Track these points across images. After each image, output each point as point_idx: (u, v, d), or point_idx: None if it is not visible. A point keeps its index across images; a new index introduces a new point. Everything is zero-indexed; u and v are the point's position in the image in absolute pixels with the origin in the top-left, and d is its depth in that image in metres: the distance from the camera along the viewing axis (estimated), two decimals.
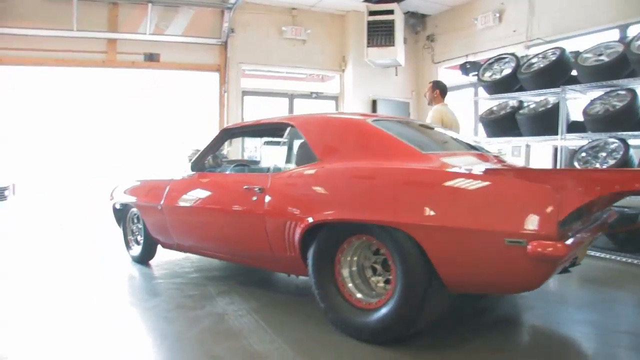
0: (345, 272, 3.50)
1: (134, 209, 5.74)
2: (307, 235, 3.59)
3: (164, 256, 5.96)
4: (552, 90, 7.45)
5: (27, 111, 10.30)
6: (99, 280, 5.14)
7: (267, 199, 3.88)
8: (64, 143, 10.59)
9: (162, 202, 5.05)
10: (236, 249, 4.45)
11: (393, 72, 11.90)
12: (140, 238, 5.79)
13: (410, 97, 12.41)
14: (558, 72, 7.45)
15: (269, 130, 5.60)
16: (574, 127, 7.29)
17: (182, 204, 4.88)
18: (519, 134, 8.03)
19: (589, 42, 7.77)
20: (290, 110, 11.71)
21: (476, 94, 10.94)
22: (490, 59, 8.93)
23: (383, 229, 3.18)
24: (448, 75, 12.02)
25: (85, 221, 9.00)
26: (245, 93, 11.10)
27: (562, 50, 7.51)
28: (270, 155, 7.57)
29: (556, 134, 7.28)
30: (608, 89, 6.85)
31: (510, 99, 8.52)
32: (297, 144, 4.21)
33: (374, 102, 11.86)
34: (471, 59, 10.84)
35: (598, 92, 7.09)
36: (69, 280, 5.16)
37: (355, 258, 3.52)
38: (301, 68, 11.71)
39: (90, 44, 9.88)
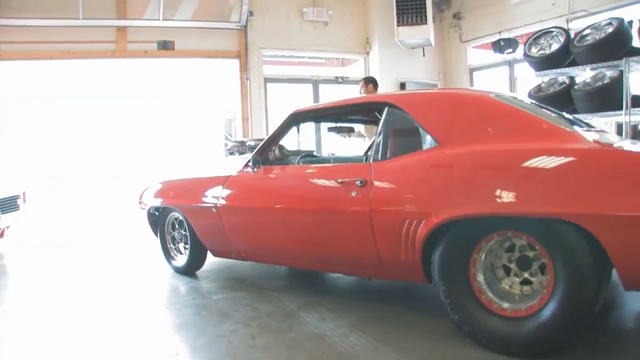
0: (481, 276, 2.93)
1: (175, 213, 5.10)
2: (432, 235, 3.01)
3: (205, 264, 5.31)
4: (612, 63, 6.87)
5: (31, 110, 9.71)
6: (145, 302, 4.38)
7: (373, 193, 3.29)
8: (73, 143, 10.01)
9: (218, 203, 4.44)
10: (326, 254, 3.83)
11: (419, 53, 11.22)
12: (184, 246, 5.14)
13: (437, 79, 11.80)
14: (617, 44, 6.83)
15: (354, 112, 4.80)
16: (636, 102, 6.75)
17: (246, 204, 4.30)
18: (575, 111, 7.46)
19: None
20: (316, 97, 11.06)
21: (512, 72, 10.44)
22: (536, 33, 8.37)
23: (541, 222, 2.64)
24: (478, 54, 11.52)
25: (107, 228, 8.30)
26: (267, 80, 10.44)
27: (621, 21, 6.89)
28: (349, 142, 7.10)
29: (618, 109, 6.72)
30: None
31: (561, 75, 7.96)
32: (401, 126, 3.55)
33: (402, 85, 11.27)
34: (505, 36, 10.29)
35: None
36: (109, 303, 4.38)
37: (488, 258, 2.94)
38: (325, 52, 11.11)
39: (99, 33, 9.19)
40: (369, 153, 3.73)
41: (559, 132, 2.95)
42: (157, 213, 5.43)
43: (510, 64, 10.59)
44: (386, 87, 10.88)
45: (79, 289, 4.88)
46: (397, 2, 10.11)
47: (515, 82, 10.53)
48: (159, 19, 9.32)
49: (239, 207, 4.35)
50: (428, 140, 3.32)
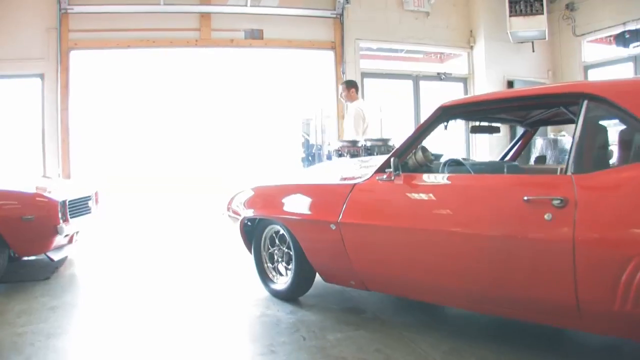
0: None
1: (276, 226, 4.28)
2: None
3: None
4: None
5: (105, 102, 8.98)
6: (242, 340, 3.58)
7: (579, 217, 2.45)
8: (148, 139, 9.19)
9: (339, 217, 3.57)
10: (494, 293, 2.94)
11: (528, 48, 10.04)
12: (286, 266, 4.29)
13: (546, 77, 10.58)
14: None
15: (529, 106, 3.68)
16: None
17: (381, 222, 3.42)
18: None
19: None
20: (416, 94, 10.02)
21: (637, 67, 9.22)
22: None
23: None
24: (593, 49, 10.25)
25: (188, 236, 7.41)
26: (364, 75, 9.44)
27: None
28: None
29: None
30: None
31: None
32: (608, 125, 2.80)
33: (510, 84, 10.12)
34: (631, 27, 9.07)
35: None
36: (193, 337, 3.54)
37: None
38: (425, 45, 10.08)
39: (181, 20, 8.45)
40: (568, 162, 2.67)
41: None
42: (249, 223, 4.56)
43: (636, 59, 9.31)
44: (493, 86, 9.92)
45: (155, 314, 4.04)
46: None
47: None
48: (246, 5, 8.53)
49: (371, 225, 3.46)
50: None
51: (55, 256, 5.02)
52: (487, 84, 10.02)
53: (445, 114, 3.47)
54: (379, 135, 7.62)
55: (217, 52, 8.77)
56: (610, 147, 2.87)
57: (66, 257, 5.42)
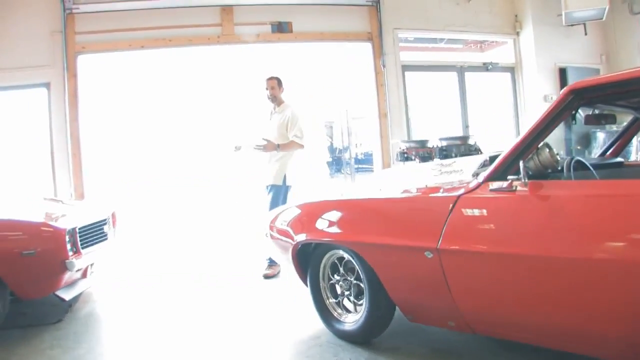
0: None
1: (339, 252, 3.43)
2: None
3: None
4: None
5: (119, 110, 8.09)
6: None
7: None
8: (169, 146, 8.35)
9: (438, 242, 2.66)
10: None
11: (580, 31, 9.02)
12: (355, 301, 3.43)
13: (599, 62, 9.61)
14: None
15: None
16: None
17: (503, 249, 2.48)
18: None
19: None
20: (462, 87, 9.04)
21: None
22: None
23: None
24: None
25: (220, 259, 6.35)
26: (405, 68, 8.46)
27: None
28: None
29: None
30: None
31: None
32: None
33: (563, 71, 9.12)
34: None
35: None
36: None
37: None
38: (468, 33, 9.07)
39: (200, 15, 7.50)
40: None
41: None
42: (303, 248, 3.67)
43: None
44: (544, 75, 9.06)
45: None
46: None
47: None
48: None
49: (485, 252, 2.54)
50: None
51: (67, 295, 4.00)
52: (537, 73, 9.05)
53: (577, 98, 2.52)
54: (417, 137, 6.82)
55: (241, 48, 7.86)
56: None
57: (80, 293, 4.39)
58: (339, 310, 3.53)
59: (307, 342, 3.44)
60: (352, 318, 3.41)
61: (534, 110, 8.94)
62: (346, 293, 3.48)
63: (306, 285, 3.71)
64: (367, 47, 8.24)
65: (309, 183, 11.74)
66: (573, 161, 2.63)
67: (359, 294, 3.37)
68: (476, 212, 2.63)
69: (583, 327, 2.33)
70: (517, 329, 2.64)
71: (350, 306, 3.50)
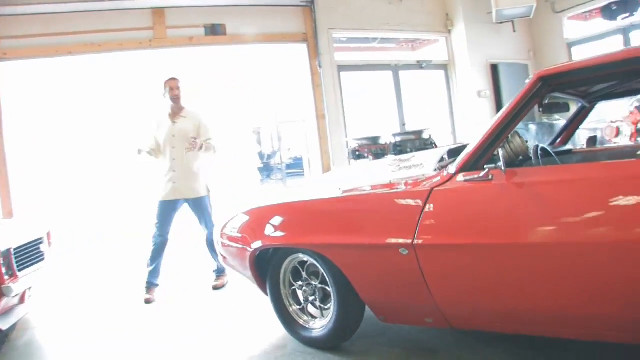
0: None
1: (301, 256, 3.32)
2: None
3: None
4: None
5: (46, 120, 7.73)
6: None
7: None
8: (96, 162, 8.08)
9: (414, 238, 2.61)
10: None
11: (508, 29, 9.46)
12: (322, 305, 3.32)
13: (527, 57, 10.04)
14: None
15: None
16: None
17: (484, 239, 2.46)
18: None
19: None
20: (397, 85, 9.16)
21: (626, 40, 8.81)
22: None
23: None
24: (575, 25, 9.82)
25: (171, 269, 6.02)
26: (341, 68, 8.50)
27: None
28: None
29: None
30: None
31: None
32: None
33: (494, 67, 9.49)
34: None
35: None
36: None
37: None
38: (402, 32, 9.21)
39: (131, 18, 7.23)
40: None
41: None
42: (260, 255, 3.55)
43: (625, 31, 8.84)
44: (477, 71, 9.34)
45: None
46: None
47: None
48: None
49: (464, 244, 2.51)
50: None
51: (4, 324, 3.69)
52: (470, 70, 9.33)
53: (546, 85, 2.60)
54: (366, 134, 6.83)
55: (174, 52, 7.66)
56: None
57: (18, 321, 4.05)
58: (305, 317, 3.45)
59: (273, 353, 3.33)
60: (320, 323, 3.34)
61: (469, 106, 9.27)
62: (310, 298, 3.39)
63: (266, 293, 3.59)
64: (302, 48, 8.23)
65: (238, 190, 11.67)
66: (539, 149, 2.74)
67: (324, 298, 3.30)
68: (451, 203, 2.62)
69: (566, 311, 2.38)
70: (499, 319, 2.66)
71: (314, 312, 3.44)
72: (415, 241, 2.60)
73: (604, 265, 2.18)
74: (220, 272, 5.17)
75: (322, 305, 3.31)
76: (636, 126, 7.08)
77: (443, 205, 2.60)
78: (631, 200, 2.10)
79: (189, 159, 5.05)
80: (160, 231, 5.05)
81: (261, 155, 18.01)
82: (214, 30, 7.60)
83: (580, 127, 3.93)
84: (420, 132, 5.86)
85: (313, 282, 3.32)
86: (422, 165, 3.43)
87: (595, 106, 3.85)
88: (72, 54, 7.06)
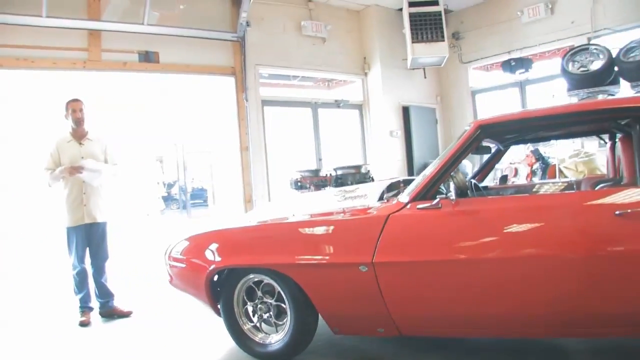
0: None
1: (257, 276, 3.64)
2: None
3: None
4: None
5: None
6: None
7: None
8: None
9: (373, 257, 3.13)
10: (580, 311, 2.86)
11: (419, 74, 10.42)
12: (276, 321, 3.67)
13: (435, 102, 11.09)
14: None
15: (583, 122, 3.71)
16: None
17: (436, 256, 3.05)
18: None
19: None
20: (315, 122, 9.81)
21: (522, 92, 10.07)
22: (572, 50, 7.90)
23: None
24: (479, 75, 11.01)
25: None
26: (265, 103, 8.99)
27: None
28: None
29: None
30: None
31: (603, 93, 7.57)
32: None
33: (405, 109, 10.40)
34: (516, 55, 9.79)
35: None
36: None
37: None
38: (323, 72, 9.92)
39: (67, 37, 7.25)
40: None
41: None
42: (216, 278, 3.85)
43: (521, 84, 10.08)
44: (390, 112, 10.16)
45: None
46: (410, 17, 9.19)
47: (526, 103, 10.13)
48: (142, 23, 7.55)
49: (419, 261, 3.07)
50: None
51: None
52: (383, 110, 10.16)
53: (484, 132, 3.28)
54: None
55: (108, 76, 7.82)
56: None
57: None
58: (260, 335, 3.71)
59: None
60: (276, 338, 3.62)
61: (381, 144, 10.11)
62: (265, 315, 3.65)
63: (217, 314, 3.81)
64: (230, 81, 8.60)
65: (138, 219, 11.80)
66: (472, 184, 3.49)
67: (279, 315, 3.59)
68: (406, 227, 3.14)
69: (502, 314, 2.99)
70: (444, 325, 3.20)
71: (266, 328, 3.72)
72: (375, 260, 3.10)
73: (532, 274, 2.84)
74: (90, 309, 5.13)
75: (276, 322, 3.62)
76: (531, 167, 8.24)
77: (399, 229, 3.14)
78: (549, 223, 2.85)
79: (100, 182, 5.14)
80: (79, 260, 5.03)
81: (167, 184, 18.18)
82: (148, 58, 7.77)
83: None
84: (359, 167, 6.57)
85: (268, 300, 3.61)
86: (366, 196, 4.01)
87: (508, 150, 4.76)
88: (3, 67, 6.97)
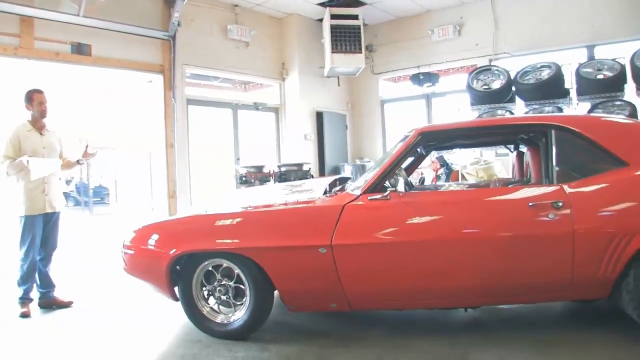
0: None
1: (216, 260, 4.02)
2: None
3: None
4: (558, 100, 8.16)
5: None
6: None
7: (574, 214, 3.49)
8: None
9: (331, 240, 3.69)
10: (508, 283, 3.69)
11: (334, 82, 11.32)
12: (235, 302, 4.03)
13: (346, 109, 12.04)
14: (559, 83, 8.20)
15: (505, 133, 4.72)
16: None
17: (386, 239, 3.74)
18: None
19: (554, 57, 8.71)
20: (235, 123, 10.36)
21: (429, 104, 11.22)
22: (477, 69, 9.21)
23: None
24: (388, 86, 12.14)
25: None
26: (190, 102, 9.39)
27: (559, 66, 8.20)
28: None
29: None
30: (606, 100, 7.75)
31: (502, 109, 8.91)
32: (578, 148, 3.82)
33: (319, 115, 11.24)
34: (424, 70, 10.92)
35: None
36: None
37: None
38: (245, 75, 10.57)
39: None
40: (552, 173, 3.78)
41: None
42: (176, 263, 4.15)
43: (428, 97, 11.21)
44: (305, 117, 10.92)
45: None
46: (332, 29, 10.03)
47: (431, 114, 11.34)
48: (78, 15, 7.61)
49: (371, 243, 3.71)
50: (615, 162, 3.64)
51: None
52: (298, 115, 10.91)
53: (425, 138, 4.12)
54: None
55: (41, 65, 7.75)
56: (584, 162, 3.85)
57: None
58: (220, 315, 4.05)
59: (193, 347, 3.91)
60: (235, 317, 3.97)
61: (296, 146, 10.82)
62: (223, 297, 3.99)
63: (173, 298, 4.08)
64: (158, 78, 8.91)
65: None
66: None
67: (236, 296, 3.95)
68: (360, 215, 3.76)
69: (438, 287, 3.74)
70: (390, 299, 3.86)
71: (223, 309, 4.06)
72: (333, 242, 3.66)
73: (466, 253, 3.64)
74: (31, 300, 5.18)
75: (234, 302, 3.97)
76: (436, 173, 9.37)
77: (353, 216, 3.77)
78: (480, 211, 3.72)
79: (57, 172, 5.31)
80: (34, 250, 5.10)
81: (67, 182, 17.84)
82: (80, 50, 7.87)
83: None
84: (301, 165, 7.28)
85: (227, 283, 3.96)
86: (312, 190, 4.64)
87: (429, 154, 5.68)
88: None
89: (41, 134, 5.29)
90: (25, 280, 5.10)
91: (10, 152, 5.10)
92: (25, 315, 4.96)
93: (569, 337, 3.74)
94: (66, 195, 17.64)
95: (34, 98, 5.24)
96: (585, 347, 3.52)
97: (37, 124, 5.30)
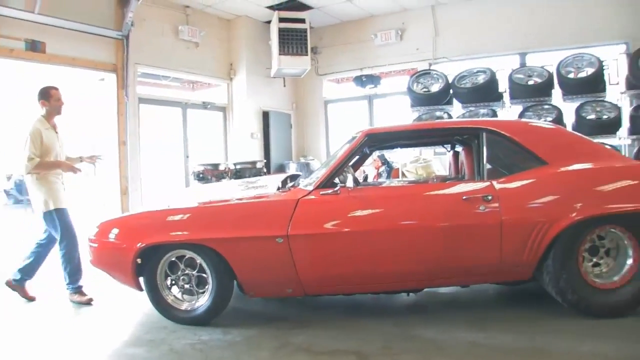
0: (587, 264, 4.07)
1: (181, 251, 4.32)
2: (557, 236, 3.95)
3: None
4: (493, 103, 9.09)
5: None
6: None
7: (502, 206, 4.01)
8: None
9: (287, 231, 4.07)
10: (445, 267, 4.18)
11: (279, 83, 11.86)
12: (197, 290, 4.37)
13: (291, 108, 12.62)
14: (493, 88, 9.14)
15: (440, 136, 5.37)
16: None
17: (337, 229, 4.15)
18: None
19: (489, 63, 9.59)
20: (184, 121, 10.74)
21: (371, 105, 11.97)
22: (417, 73, 9.98)
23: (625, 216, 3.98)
24: (331, 87, 12.81)
25: None
26: (141, 100, 9.73)
27: (493, 71, 9.10)
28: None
29: None
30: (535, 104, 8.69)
31: (440, 111, 9.72)
32: (504, 148, 4.38)
33: (266, 114, 11.77)
34: (367, 72, 11.57)
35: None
36: None
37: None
38: (194, 75, 10.99)
39: None
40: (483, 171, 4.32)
41: (615, 155, 4.76)
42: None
43: (370, 98, 11.91)
44: (251, 116, 11.46)
45: None
46: (279, 32, 10.59)
47: (373, 115, 12.10)
48: (33, 12, 7.77)
49: (324, 234, 4.11)
50: (536, 161, 4.22)
51: None
52: (245, 114, 11.43)
53: (371, 139, 4.62)
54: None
55: None
56: (510, 160, 4.42)
57: None
58: (185, 303, 4.37)
59: (160, 333, 4.19)
60: (198, 304, 4.29)
61: (242, 145, 11.32)
62: (186, 286, 4.30)
63: (137, 289, 4.36)
64: (111, 77, 9.19)
65: None
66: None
67: (198, 284, 4.28)
68: (313, 208, 4.15)
69: (384, 272, 4.15)
70: (341, 283, 4.24)
71: (186, 297, 4.36)
72: (289, 232, 4.02)
73: (408, 241, 4.11)
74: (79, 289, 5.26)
75: (197, 290, 4.31)
76: (378, 170, 10.09)
77: (307, 209, 4.16)
78: (420, 204, 4.24)
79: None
80: (75, 239, 5.22)
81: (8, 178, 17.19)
82: (34, 47, 7.96)
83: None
84: (255, 162, 7.81)
85: (190, 272, 4.28)
86: (267, 186, 5.09)
87: (372, 154, 6.20)
88: None
89: (56, 132, 5.34)
90: (79, 269, 5.25)
91: (38, 149, 5.10)
92: (89, 302, 5.17)
93: (500, 315, 4.27)
94: (6, 192, 17.24)
95: (52, 94, 5.24)
96: (513, 322, 4.05)
97: (52, 120, 5.32)
